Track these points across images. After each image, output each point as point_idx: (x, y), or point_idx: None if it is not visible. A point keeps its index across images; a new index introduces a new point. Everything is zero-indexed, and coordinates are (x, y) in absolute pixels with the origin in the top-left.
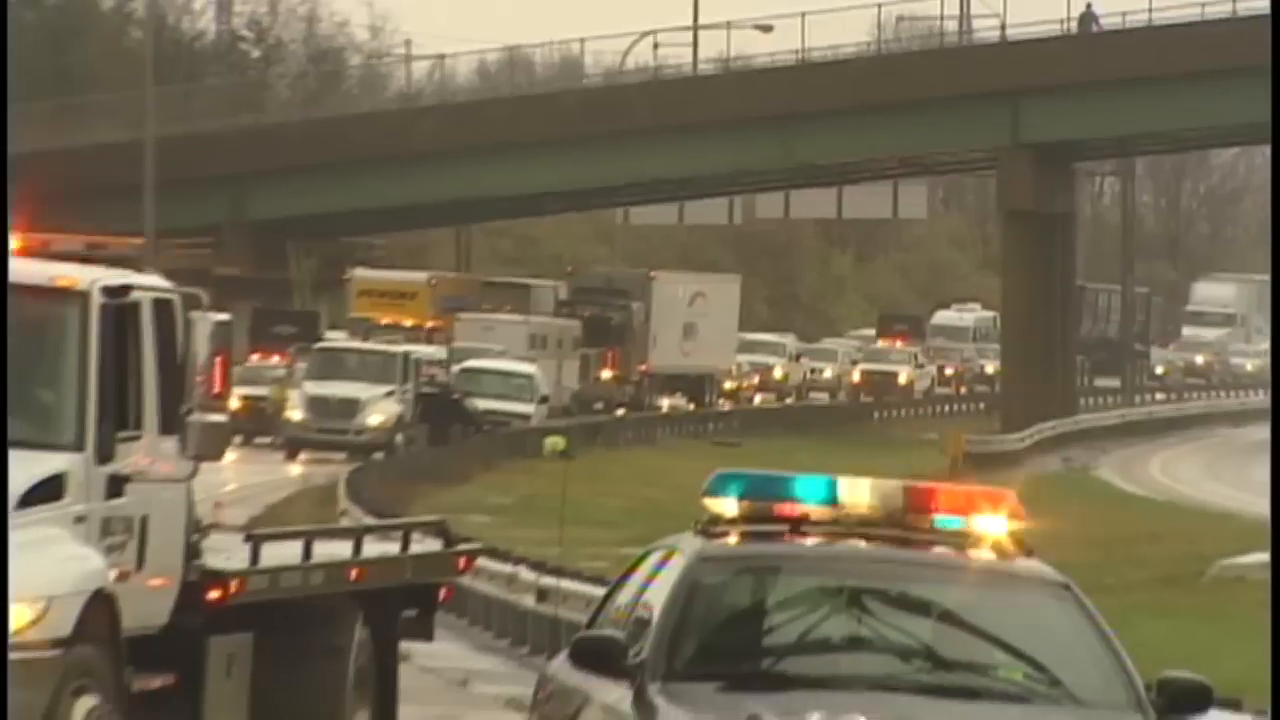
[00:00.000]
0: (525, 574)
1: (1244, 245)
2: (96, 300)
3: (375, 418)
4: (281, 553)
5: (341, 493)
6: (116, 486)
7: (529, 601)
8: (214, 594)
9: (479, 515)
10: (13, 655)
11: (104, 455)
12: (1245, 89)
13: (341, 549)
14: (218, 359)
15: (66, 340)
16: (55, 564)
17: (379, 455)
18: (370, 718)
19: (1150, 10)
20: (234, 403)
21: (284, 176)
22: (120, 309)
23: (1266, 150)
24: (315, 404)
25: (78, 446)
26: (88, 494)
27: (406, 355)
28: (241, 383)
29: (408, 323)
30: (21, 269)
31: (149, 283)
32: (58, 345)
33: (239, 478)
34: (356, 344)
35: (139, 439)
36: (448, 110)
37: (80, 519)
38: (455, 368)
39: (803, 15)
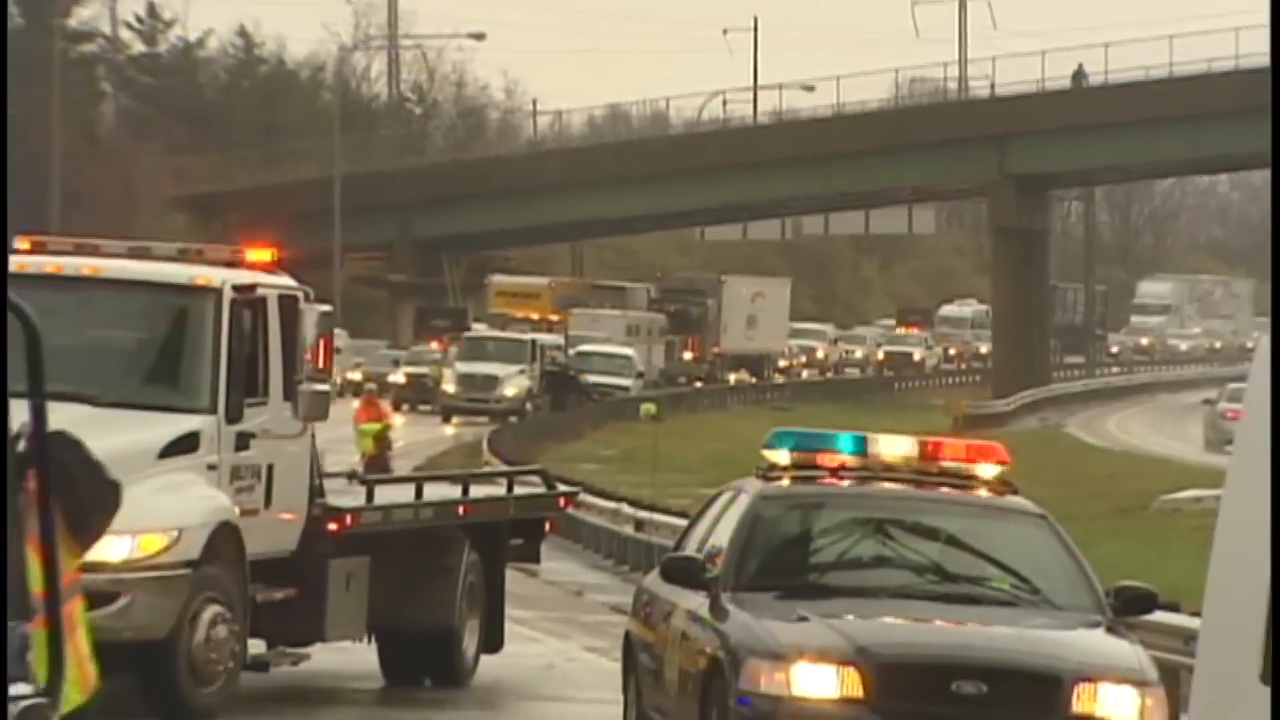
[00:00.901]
0: (626, 509)
1: (1179, 253)
2: (228, 295)
3: (510, 390)
4: (401, 494)
5: (485, 447)
6: (244, 441)
7: (629, 530)
8: (333, 526)
9: (590, 464)
10: (149, 574)
11: (233, 417)
12: (1180, 133)
13: (454, 491)
14: (322, 341)
15: (204, 326)
16: (188, 501)
17: (513, 419)
18: (480, 624)
19: (1106, 71)
20: (400, 378)
21: (439, 205)
22: (248, 302)
23: (1198, 179)
24: (464, 379)
25: (211, 410)
26: (219, 448)
27: (533, 342)
28: (408, 363)
29: (534, 317)
30: (170, 271)
31: (272, 281)
32: (197, 330)
33: (407, 436)
34: (495, 333)
35: (264, 404)
36: (564, 153)
37: (212, 467)
38: (571, 351)
39: (837, 79)
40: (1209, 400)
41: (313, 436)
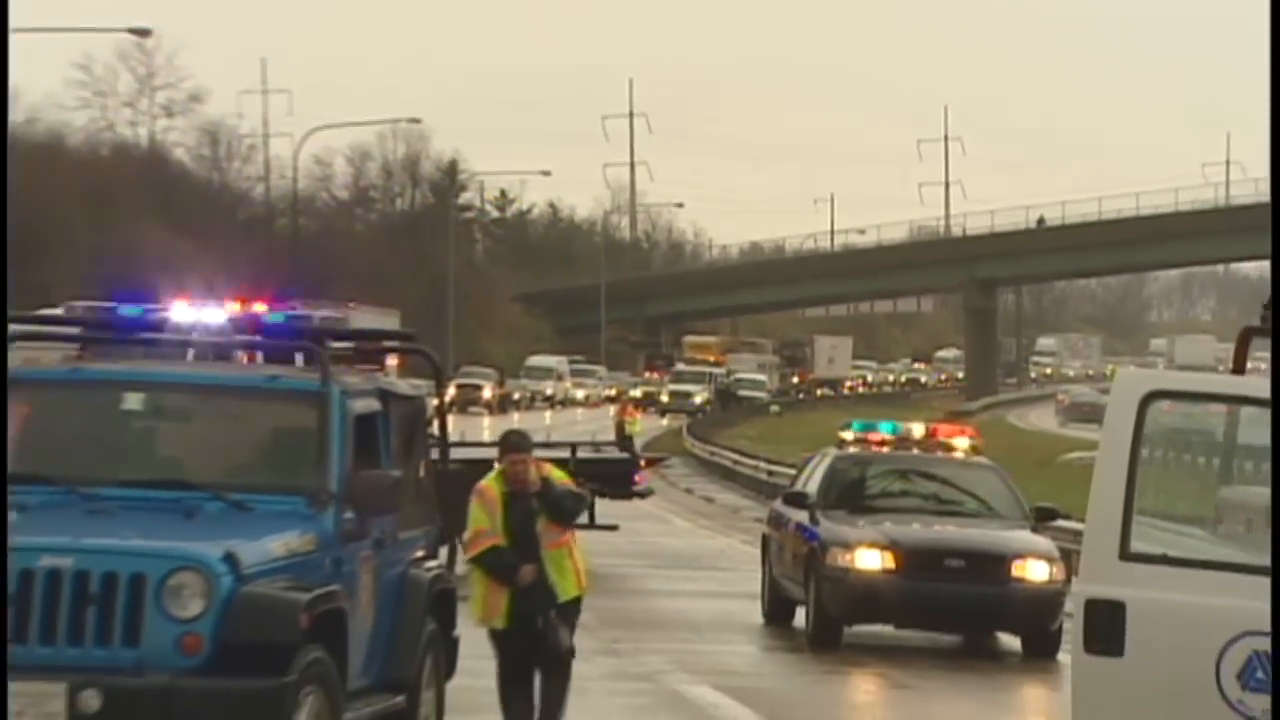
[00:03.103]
0: (762, 464)
1: (1064, 321)
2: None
3: (698, 399)
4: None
5: (684, 431)
6: None
7: (764, 475)
8: None
9: (742, 440)
10: None
11: None
12: (1098, 254)
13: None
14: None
15: None
16: None
17: (699, 415)
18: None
19: (1053, 215)
20: (637, 393)
21: (658, 298)
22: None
23: (1083, 282)
24: (673, 394)
25: None
26: None
27: (710, 373)
28: (642, 385)
29: (709, 358)
30: None
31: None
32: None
33: (642, 425)
34: (688, 368)
35: None
36: (726, 269)
37: None
38: (730, 377)
39: (879, 227)
40: (1059, 399)
41: None
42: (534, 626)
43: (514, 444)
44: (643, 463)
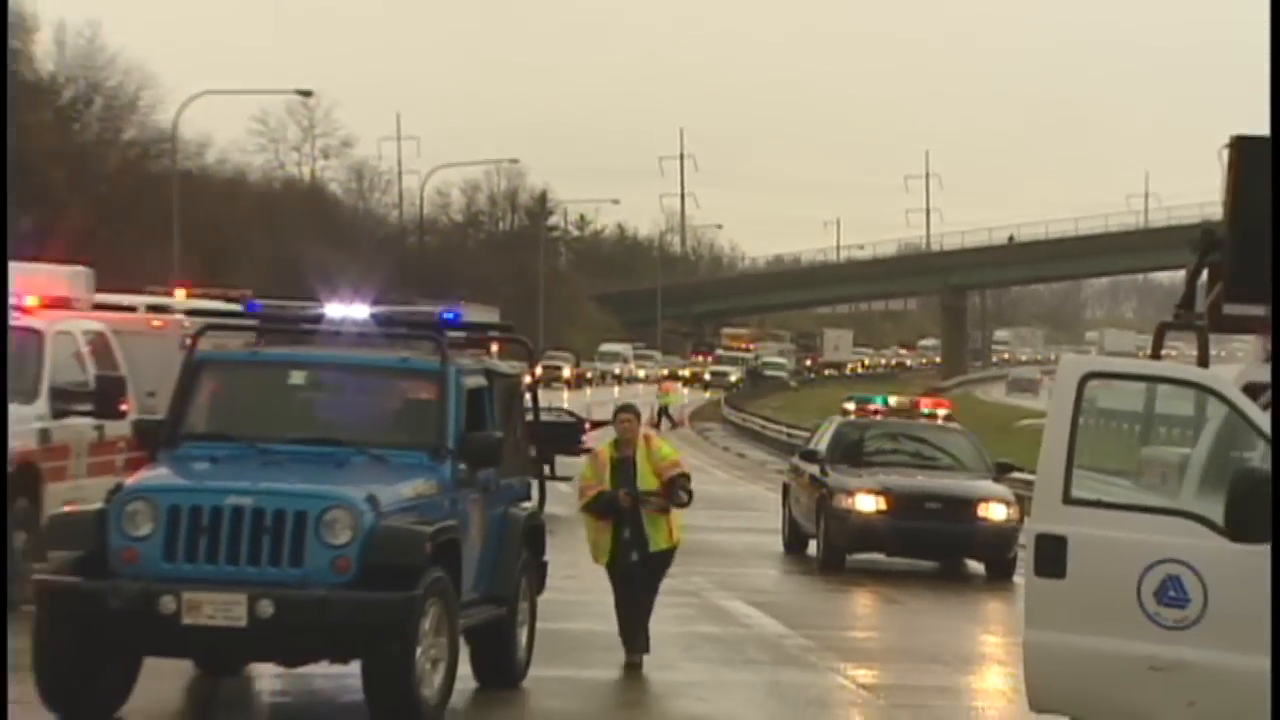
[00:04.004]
0: (783, 429)
1: (1019, 318)
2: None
3: (733, 377)
4: None
5: (723, 402)
6: None
7: (784, 437)
8: None
9: (768, 410)
10: None
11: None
12: (1023, 269)
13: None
14: None
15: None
16: None
17: (735, 390)
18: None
19: (989, 233)
20: (686, 373)
21: (703, 298)
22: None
23: (1033, 287)
24: (713, 373)
25: None
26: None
27: (743, 357)
28: (689, 366)
29: (742, 346)
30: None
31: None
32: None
33: (690, 396)
34: (726, 353)
35: None
36: (755, 276)
37: None
38: (757, 360)
39: (874, 244)
40: (1014, 382)
41: None
42: (630, 562)
43: (626, 406)
44: (588, 425)
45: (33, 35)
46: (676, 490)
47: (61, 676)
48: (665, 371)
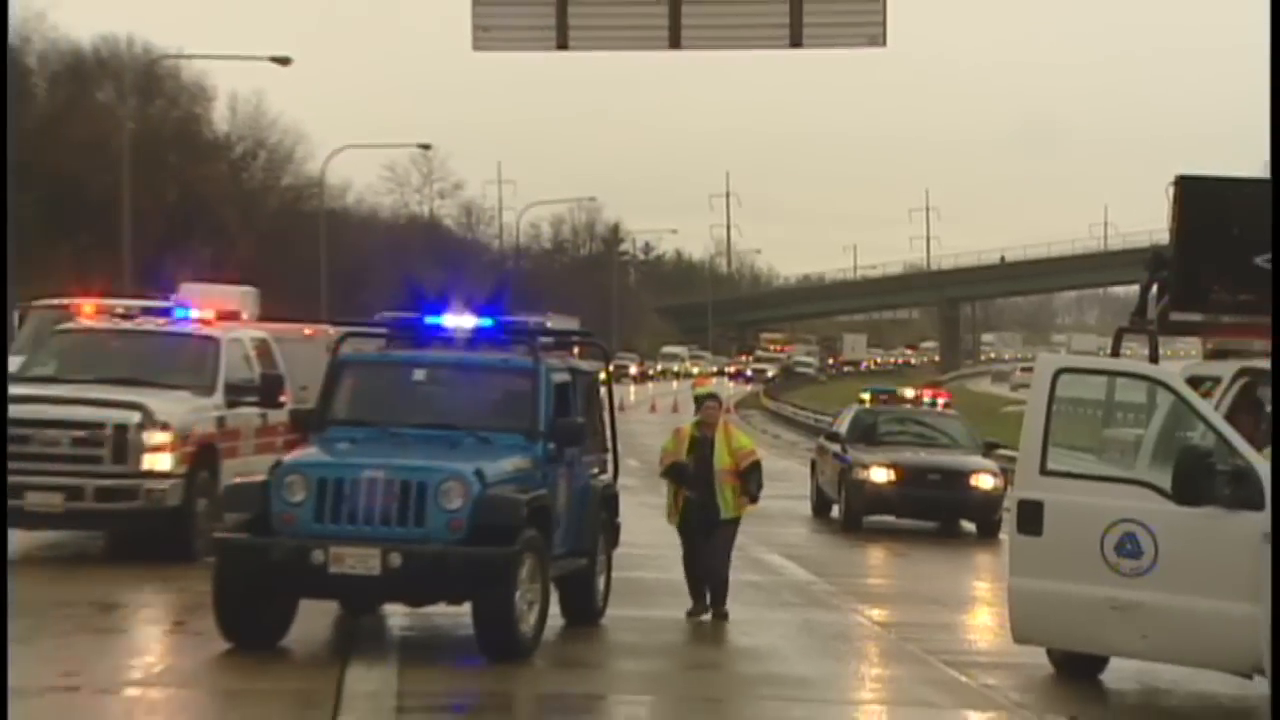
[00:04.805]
0: (811, 414)
1: (1003, 324)
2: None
3: (770, 373)
4: None
5: (762, 394)
6: None
7: (812, 421)
8: None
9: (798, 399)
10: None
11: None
12: (1006, 284)
13: None
14: None
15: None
16: None
17: (773, 383)
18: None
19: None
20: (731, 369)
21: (745, 309)
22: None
23: (1014, 299)
24: (755, 370)
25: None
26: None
27: (778, 357)
28: (737, 364)
29: (778, 348)
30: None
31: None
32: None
33: (733, 388)
34: (764, 354)
35: None
36: (788, 290)
37: None
38: (790, 359)
39: (883, 264)
40: (996, 375)
41: None
42: (696, 527)
43: (712, 395)
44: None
45: (211, 103)
46: (751, 484)
47: (235, 613)
48: (697, 370)
